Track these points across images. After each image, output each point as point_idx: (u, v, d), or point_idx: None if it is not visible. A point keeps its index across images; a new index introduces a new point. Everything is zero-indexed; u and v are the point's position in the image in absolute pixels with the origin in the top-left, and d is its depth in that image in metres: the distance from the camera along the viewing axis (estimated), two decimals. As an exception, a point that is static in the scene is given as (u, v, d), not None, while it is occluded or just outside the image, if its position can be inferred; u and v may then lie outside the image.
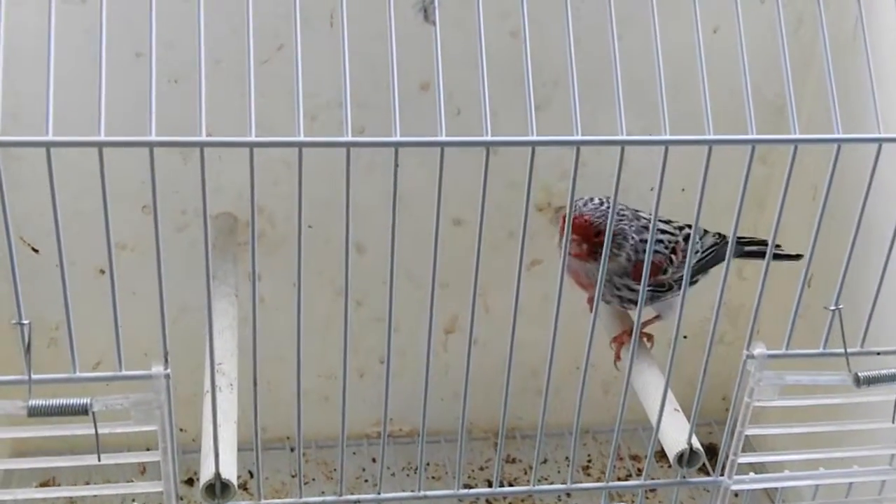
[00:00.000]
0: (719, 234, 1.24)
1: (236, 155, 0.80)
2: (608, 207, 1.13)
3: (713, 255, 1.22)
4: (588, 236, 1.13)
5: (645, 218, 1.17)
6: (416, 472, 1.03)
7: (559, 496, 1.51)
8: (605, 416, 1.38)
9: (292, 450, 1.53)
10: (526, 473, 1.54)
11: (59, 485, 1.38)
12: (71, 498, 1.33)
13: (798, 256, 1.19)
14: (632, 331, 1.06)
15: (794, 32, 1.32)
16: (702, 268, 1.21)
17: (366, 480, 1.51)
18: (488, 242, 1.43)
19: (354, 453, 1.55)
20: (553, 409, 1.02)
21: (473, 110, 0.82)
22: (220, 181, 1.32)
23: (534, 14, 0.85)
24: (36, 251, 1.35)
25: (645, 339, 1.21)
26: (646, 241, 1.13)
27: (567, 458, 1.51)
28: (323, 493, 1.42)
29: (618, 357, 1.22)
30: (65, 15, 1.18)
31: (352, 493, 1.02)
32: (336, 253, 0.87)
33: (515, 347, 0.96)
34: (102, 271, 1.34)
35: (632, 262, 1.15)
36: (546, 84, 1.29)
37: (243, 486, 1.48)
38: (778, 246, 1.17)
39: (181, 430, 1.48)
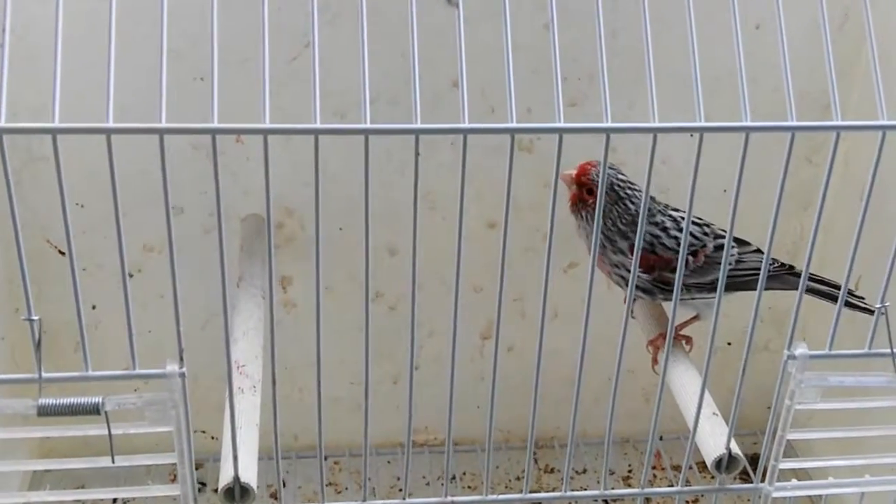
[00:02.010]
0: (780, 262, 1.18)
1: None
2: (624, 185, 1.13)
3: (754, 277, 1.11)
4: (582, 181, 1.14)
5: (672, 214, 1.15)
6: (449, 482, 1.01)
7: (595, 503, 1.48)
8: (645, 425, 1.36)
9: (326, 458, 1.52)
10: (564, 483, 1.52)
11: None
12: (94, 501, 1.32)
13: (870, 311, 1.06)
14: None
15: (838, 29, 1.30)
16: (739, 285, 1.16)
17: (399, 490, 1.49)
18: (524, 245, 1.44)
19: (389, 462, 1.53)
20: (593, 418, 1.00)
21: (507, 108, 0.80)
22: (249, 183, 1.31)
23: (571, 8, 0.83)
24: (63, 254, 1.35)
25: (683, 343, 1.18)
26: (649, 227, 1.12)
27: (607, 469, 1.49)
28: (353, 501, 1.41)
29: (655, 361, 1.20)
30: (94, 13, 1.18)
31: (382, 501, 1.00)
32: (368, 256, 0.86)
33: (553, 354, 0.94)
34: (131, 275, 1.33)
35: (618, 235, 1.13)
36: (582, 78, 1.27)
37: (274, 497, 1.47)
38: (857, 295, 1.14)
39: (212, 437, 1.47)
